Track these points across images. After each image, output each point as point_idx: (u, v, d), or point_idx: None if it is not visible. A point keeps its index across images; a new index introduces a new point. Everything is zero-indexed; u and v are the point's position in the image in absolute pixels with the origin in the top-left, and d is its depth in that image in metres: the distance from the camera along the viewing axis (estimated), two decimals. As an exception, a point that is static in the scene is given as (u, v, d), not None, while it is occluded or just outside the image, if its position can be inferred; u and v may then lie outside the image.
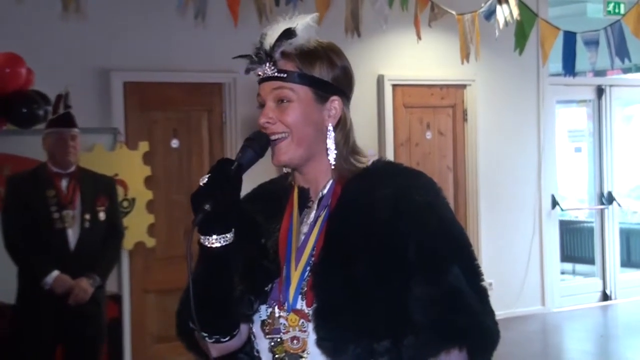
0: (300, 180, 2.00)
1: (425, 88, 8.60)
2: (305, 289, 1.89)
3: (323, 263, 1.88)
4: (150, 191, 6.64)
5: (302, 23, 1.93)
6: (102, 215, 5.08)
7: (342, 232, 1.89)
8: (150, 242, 6.66)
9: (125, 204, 6.40)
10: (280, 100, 1.91)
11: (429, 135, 8.61)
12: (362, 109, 7.93)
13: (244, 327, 1.98)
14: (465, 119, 8.77)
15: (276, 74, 1.91)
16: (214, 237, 1.85)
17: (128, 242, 6.39)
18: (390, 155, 8.15)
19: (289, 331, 1.89)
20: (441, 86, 8.67)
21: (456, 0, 6.58)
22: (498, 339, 1.88)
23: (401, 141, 8.43)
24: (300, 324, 1.88)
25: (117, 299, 6.27)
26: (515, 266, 9.02)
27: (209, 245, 1.86)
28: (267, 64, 1.93)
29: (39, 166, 5.14)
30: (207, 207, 1.80)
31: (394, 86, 8.38)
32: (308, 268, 1.91)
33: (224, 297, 1.91)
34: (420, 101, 8.57)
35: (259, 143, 1.90)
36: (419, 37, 6.10)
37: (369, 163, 1.99)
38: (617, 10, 8.49)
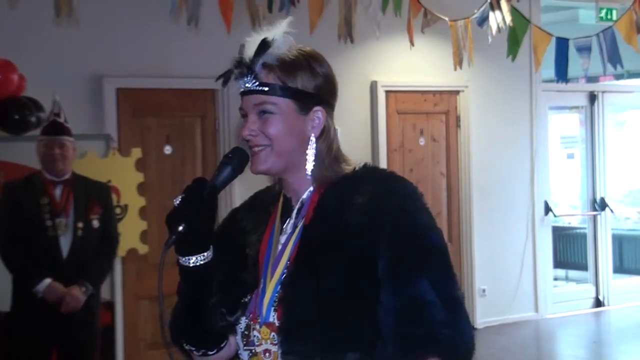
0: (285, 189, 1.99)
1: (418, 94, 8.60)
2: (277, 301, 1.87)
3: (292, 275, 1.87)
4: (143, 198, 6.63)
5: (279, 31, 1.91)
6: (95, 223, 5.07)
7: (314, 242, 1.88)
8: (143, 249, 6.65)
9: (117, 210, 6.38)
10: (262, 112, 1.90)
11: (422, 141, 8.61)
12: (355, 115, 7.94)
13: (232, 339, 1.97)
14: (458, 125, 8.78)
15: (258, 87, 1.90)
16: (193, 257, 1.88)
17: (121, 249, 6.36)
18: (383, 161, 8.16)
19: (261, 344, 1.89)
20: (434, 92, 8.67)
21: (449, 6, 6.59)
22: (468, 352, 1.82)
23: (394, 147, 8.43)
24: (271, 337, 1.87)
25: (109, 305, 6.25)
26: (508, 272, 9.02)
27: (185, 265, 1.89)
28: (248, 77, 1.91)
29: (34, 174, 5.13)
30: (180, 228, 1.82)
31: (387, 92, 8.38)
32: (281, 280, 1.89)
33: (203, 312, 1.92)
34: (414, 107, 8.58)
35: (238, 159, 1.90)
36: (412, 43, 6.10)
37: (352, 169, 1.96)
38: (609, 17, 8.53)
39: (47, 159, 5.00)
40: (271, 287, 1.89)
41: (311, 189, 1.95)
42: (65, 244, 4.96)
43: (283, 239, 1.94)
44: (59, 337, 4.98)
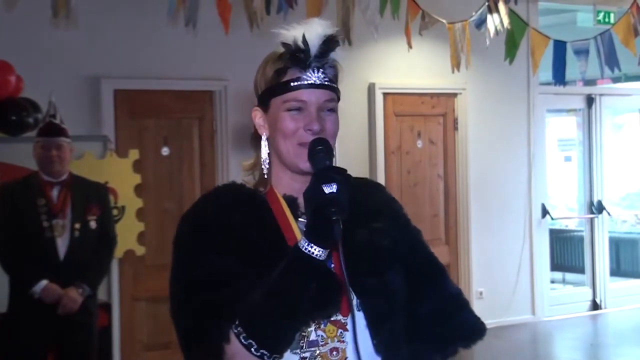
0: (288, 189, 1.95)
1: (416, 96, 8.61)
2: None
3: (354, 272, 1.81)
4: (140, 199, 6.63)
5: (332, 31, 1.90)
6: (93, 224, 5.06)
7: (354, 241, 1.89)
8: (140, 250, 6.64)
9: (115, 212, 6.37)
10: (326, 110, 1.90)
11: (419, 143, 8.61)
12: (352, 117, 7.94)
13: None
14: (455, 128, 8.79)
15: (327, 82, 1.89)
16: (324, 248, 1.75)
17: (118, 250, 6.35)
18: (381, 164, 8.18)
19: (327, 343, 1.85)
20: (432, 95, 8.68)
21: (447, 9, 6.60)
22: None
23: (392, 149, 8.43)
24: (338, 334, 1.86)
25: (106, 307, 6.25)
26: (505, 275, 9.02)
27: (314, 256, 1.74)
28: (316, 71, 1.88)
29: (31, 175, 5.13)
30: (336, 217, 1.71)
31: (385, 94, 8.38)
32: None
33: (302, 311, 1.77)
34: (411, 109, 8.58)
35: (324, 146, 1.85)
36: (410, 46, 6.10)
37: None
38: (607, 20, 8.53)
39: (44, 160, 5.00)
40: None
41: None
42: (62, 245, 4.96)
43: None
44: (56, 338, 4.98)
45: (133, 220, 6.56)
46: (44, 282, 4.86)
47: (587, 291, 9.96)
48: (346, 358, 1.86)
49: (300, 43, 1.85)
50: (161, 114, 7.32)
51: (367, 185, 2.08)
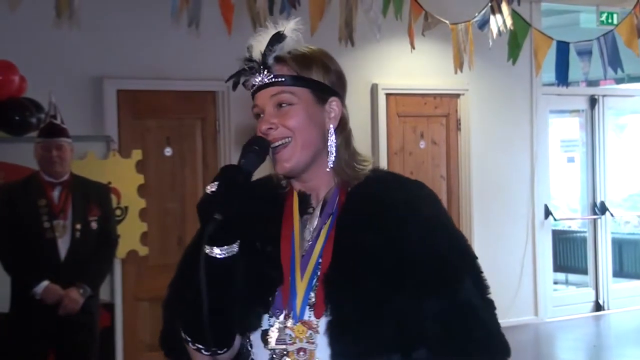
0: (299, 186, 1.95)
1: (418, 97, 8.60)
2: (314, 299, 1.84)
3: (334, 274, 1.83)
4: (143, 199, 6.63)
5: (288, 29, 1.90)
6: (94, 225, 5.06)
7: (351, 242, 1.85)
8: (143, 251, 6.64)
9: (118, 212, 6.38)
10: (279, 105, 1.87)
11: (422, 144, 8.61)
12: (355, 117, 7.85)
13: (237, 339, 1.92)
14: (458, 128, 8.78)
15: (273, 79, 1.88)
16: (224, 247, 1.80)
17: (120, 251, 6.37)
18: (383, 164, 8.16)
19: (295, 342, 1.84)
20: (435, 95, 8.68)
21: (450, 9, 6.60)
22: (510, 352, 1.88)
23: (395, 150, 8.43)
24: (307, 335, 1.83)
25: (109, 307, 6.25)
26: (508, 276, 9.01)
27: (214, 256, 1.80)
28: (262, 72, 1.88)
29: (32, 175, 5.13)
30: (217, 216, 1.74)
31: (388, 95, 8.38)
32: (315, 278, 1.86)
33: (226, 308, 1.84)
34: (414, 110, 8.58)
35: (260, 147, 1.85)
36: (413, 47, 6.10)
37: (368, 170, 1.95)
38: (610, 21, 8.53)
39: (45, 161, 5.00)
40: (303, 285, 1.85)
41: (335, 186, 1.92)
42: (63, 245, 4.96)
43: (308, 236, 1.91)
44: (57, 339, 4.97)
45: (136, 221, 6.56)
46: (45, 283, 4.86)
47: (589, 292, 9.95)
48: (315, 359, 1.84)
49: (246, 52, 1.91)
50: (164, 114, 7.32)
51: (391, 183, 1.94)
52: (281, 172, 1.89)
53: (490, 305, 1.89)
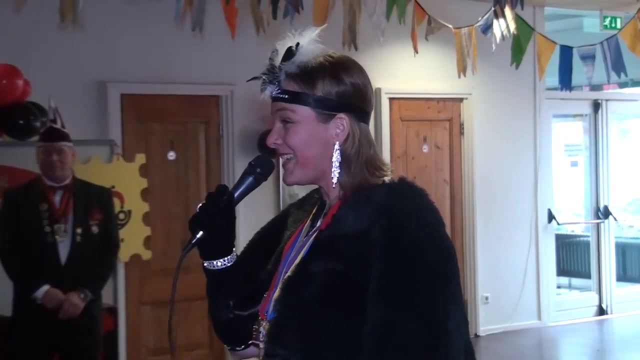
0: (322, 193, 2.00)
1: (422, 101, 8.61)
2: None
3: (289, 278, 1.89)
4: (146, 203, 6.63)
5: (308, 38, 1.90)
6: (95, 229, 5.06)
7: (317, 248, 1.88)
8: (147, 255, 6.65)
9: (121, 216, 6.39)
10: (284, 121, 1.91)
11: (425, 148, 8.62)
12: (358, 122, 7.93)
13: None
14: (462, 133, 8.79)
15: (279, 94, 1.91)
16: (214, 262, 1.96)
17: (124, 255, 6.38)
18: (386, 169, 8.16)
19: (265, 340, 1.92)
20: (438, 99, 8.68)
21: (453, 14, 6.60)
22: None
23: (398, 154, 8.43)
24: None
25: (112, 311, 6.26)
26: (511, 280, 9.01)
27: (209, 268, 1.98)
28: (274, 84, 1.92)
29: (34, 180, 5.14)
30: (199, 234, 1.90)
31: (391, 99, 8.39)
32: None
33: (221, 309, 2.02)
34: (417, 114, 8.58)
35: (261, 168, 1.95)
36: (416, 51, 6.11)
37: (380, 181, 1.92)
38: (613, 25, 8.53)
39: (46, 165, 5.01)
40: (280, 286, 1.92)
41: (338, 194, 1.94)
42: (64, 249, 4.96)
43: (305, 240, 1.96)
44: (60, 343, 4.97)
45: (139, 225, 6.57)
46: (45, 287, 4.86)
47: (593, 296, 9.94)
48: None
49: (269, 58, 1.94)
50: (167, 118, 7.33)
51: (386, 203, 1.84)
52: (286, 184, 1.98)
53: (431, 331, 1.71)
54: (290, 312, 1.83)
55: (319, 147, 1.90)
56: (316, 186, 2.01)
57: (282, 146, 1.92)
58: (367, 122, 1.95)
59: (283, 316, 1.85)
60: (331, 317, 1.78)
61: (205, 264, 1.97)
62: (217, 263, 1.96)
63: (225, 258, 1.96)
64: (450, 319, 1.73)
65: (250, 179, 1.94)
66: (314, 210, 2.01)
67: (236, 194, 1.93)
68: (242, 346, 2.03)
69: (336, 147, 1.90)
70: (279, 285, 1.90)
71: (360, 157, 1.91)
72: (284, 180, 1.97)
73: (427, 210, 1.85)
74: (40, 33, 6.71)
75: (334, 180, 1.90)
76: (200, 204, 1.91)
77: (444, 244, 1.83)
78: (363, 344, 1.74)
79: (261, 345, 1.92)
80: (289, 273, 1.90)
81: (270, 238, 2.07)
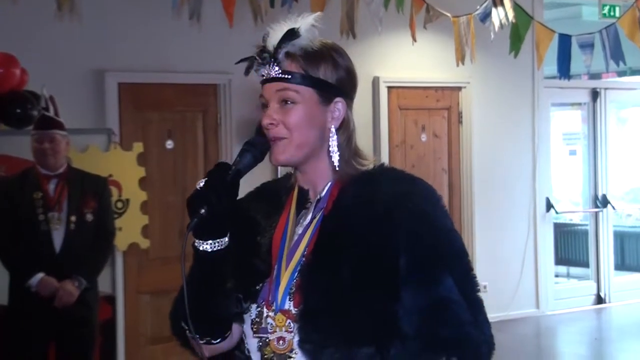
0: (301, 180, 1.99)
1: (420, 90, 8.60)
2: (294, 289, 1.88)
3: (311, 265, 1.87)
4: (144, 192, 6.62)
5: (306, 23, 1.91)
6: (89, 217, 5.05)
7: (333, 235, 1.88)
8: (144, 243, 6.64)
9: (119, 205, 6.38)
10: (284, 102, 1.90)
11: (424, 137, 8.61)
12: (357, 110, 7.84)
13: (236, 328, 1.97)
14: (460, 121, 8.78)
15: (280, 75, 1.89)
16: (209, 241, 1.86)
17: (122, 243, 6.38)
18: (385, 157, 8.16)
19: (275, 331, 1.89)
20: (436, 88, 8.67)
21: (451, 2, 6.58)
22: (489, 351, 1.86)
23: (396, 143, 8.43)
24: (287, 324, 1.88)
25: (110, 300, 6.25)
26: (509, 269, 9.02)
27: (202, 249, 1.87)
28: (271, 65, 1.91)
29: (28, 168, 5.13)
30: (202, 211, 1.80)
31: (389, 88, 8.37)
32: (298, 269, 1.90)
33: (216, 299, 1.91)
34: (416, 103, 8.57)
35: (259, 148, 1.91)
36: (414, 39, 6.09)
37: (370, 167, 1.97)
38: (612, 14, 8.51)
39: (39, 153, 5.01)
40: (287, 276, 1.90)
41: (330, 181, 1.95)
42: (58, 238, 4.95)
43: (299, 229, 1.95)
44: (56, 332, 4.98)
45: (137, 213, 6.57)
46: (39, 275, 4.86)
47: (591, 285, 9.95)
48: (293, 349, 1.88)
49: (262, 40, 1.93)
50: (165, 107, 7.32)
51: (385, 179, 1.93)
52: (274, 163, 1.93)
53: (472, 304, 1.85)
54: (323, 298, 1.82)
55: (316, 130, 1.92)
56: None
57: (277, 127, 1.90)
58: (351, 109, 1.99)
59: (315, 302, 1.83)
60: (366, 299, 1.81)
61: (198, 245, 1.87)
62: (213, 244, 1.86)
63: (222, 239, 1.87)
64: (479, 289, 1.89)
65: (249, 156, 1.89)
66: (293, 199, 2.00)
67: (241, 169, 1.88)
68: (219, 339, 1.95)
69: (333, 131, 1.92)
70: (291, 274, 1.89)
71: (352, 143, 1.96)
72: (271, 160, 1.93)
73: (435, 192, 1.95)
74: (37, 22, 6.69)
75: (336, 164, 1.92)
76: (202, 181, 1.83)
77: (453, 225, 1.94)
78: (405, 322, 1.80)
79: (271, 337, 1.89)
80: (299, 259, 1.89)
81: (244, 231, 1.99)
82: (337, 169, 1.92)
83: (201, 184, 1.83)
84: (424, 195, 1.91)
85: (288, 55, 1.89)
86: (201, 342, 1.95)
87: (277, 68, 1.90)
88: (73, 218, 4.98)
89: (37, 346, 4.96)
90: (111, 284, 6.73)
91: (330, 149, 1.92)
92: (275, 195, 2.05)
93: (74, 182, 5.07)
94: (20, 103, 5.85)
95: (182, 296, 1.86)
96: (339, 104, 1.94)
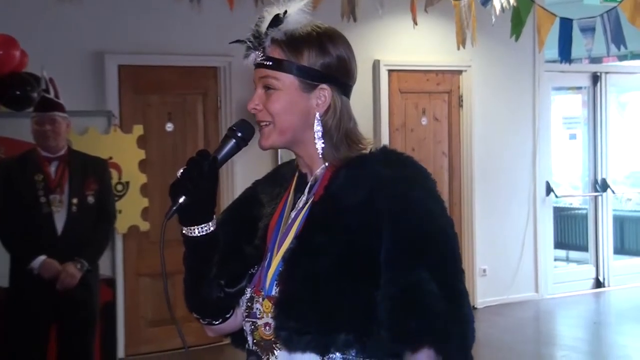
0: (300, 164, 2.00)
1: (421, 73, 8.58)
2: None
3: (293, 251, 1.87)
4: (144, 175, 6.63)
5: (296, 7, 1.90)
6: (91, 199, 5.05)
7: (317, 220, 1.88)
8: (144, 226, 6.65)
9: (119, 187, 6.39)
10: (267, 88, 1.91)
11: (424, 120, 8.60)
12: (357, 94, 7.78)
13: (239, 310, 1.99)
14: (460, 105, 8.77)
15: (263, 61, 1.91)
16: (194, 228, 1.91)
17: (122, 226, 6.38)
18: (385, 141, 8.15)
19: (262, 317, 1.90)
20: (437, 72, 8.65)
21: (453, -15, 6.54)
22: (463, 344, 1.80)
23: (396, 126, 8.42)
24: (272, 310, 1.87)
25: (110, 282, 6.26)
26: (509, 252, 9.03)
27: (189, 235, 1.92)
28: (258, 50, 1.92)
29: (29, 150, 5.12)
30: (181, 200, 1.85)
31: (390, 71, 8.36)
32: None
33: (204, 283, 1.96)
34: (416, 87, 8.56)
35: (242, 133, 1.91)
36: (415, 23, 6.07)
37: (367, 150, 1.95)
38: (613, -3, 8.47)
39: (39, 135, 5.00)
40: (276, 261, 1.90)
41: (324, 166, 1.94)
42: (59, 220, 4.95)
43: (294, 214, 1.95)
44: (57, 314, 4.98)
45: (137, 196, 6.57)
46: (42, 258, 4.86)
47: (590, 269, 9.97)
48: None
49: (255, 24, 1.93)
50: (165, 89, 7.31)
51: (377, 162, 1.91)
52: (260, 147, 1.95)
53: (452, 293, 1.79)
54: (301, 285, 1.81)
55: (299, 116, 1.91)
56: (285, 160, 2.05)
57: (262, 112, 1.91)
58: (348, 95, 1.97)
59: (292, 289, 1.82)
60: (345, 286, 1.79)
61: (184, 231, 1.92)
62: (198, 230, 1.90)
63: (206, 225, 1.90)
64: (462, 280, 1.84)
65: (232, 142, 1.91)
66: (293, 184, 2.00)
67: (219, 158, 1.89)
68: (220, 320, 2.01)
69: (317, 117, 1.92)
70: (280, 260, 1.88)
71: (341, 129, 1.94)
72: (259, 144, 1.94)
73: (427, 177, 1.91)
74: (37, 4, 6.67)
75: (319, 150, 1.91)
76: (182, 169, 1.85)
77: (446, 209, 1.91)
78: (379, 309, 1.77)
79: (259, 322, 1.90)
80: (288, 246, 1.88)
81: (246, 214, 2.04)
82: (320, 155, 1.92)
83: (180, 172, 1.86)
84: (412, 179, 1.87)
85: (273, 41, 1.90)
86: (203, 322, 2.02)
87: (262, 54, 1.91)
88: (75, 200, 4.98)
89: (39, 328, 4.96)
90: (111, 267, 6.74)
91: (315, 135, 1.92)
92: (283, 178, 2.07)
93: (75, 165, 5.07)
94: (20, 85, 5.84)
95: (186, 278, 1.97)
96: (324, 91, 1.92)
